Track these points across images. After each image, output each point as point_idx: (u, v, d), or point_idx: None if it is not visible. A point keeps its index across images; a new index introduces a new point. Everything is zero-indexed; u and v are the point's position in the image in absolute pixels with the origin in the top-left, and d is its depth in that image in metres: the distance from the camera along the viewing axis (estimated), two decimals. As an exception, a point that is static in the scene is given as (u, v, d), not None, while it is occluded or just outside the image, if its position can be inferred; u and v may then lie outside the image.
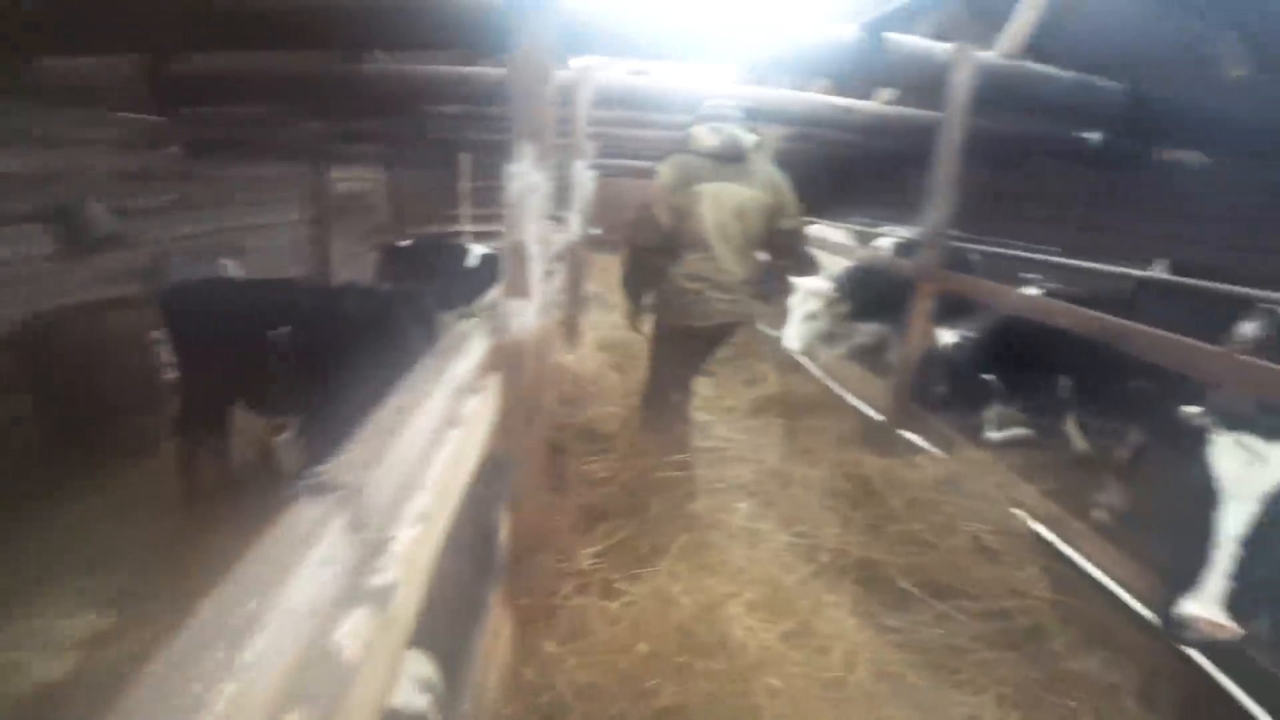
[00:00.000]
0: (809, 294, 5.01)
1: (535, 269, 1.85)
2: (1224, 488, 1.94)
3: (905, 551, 2.98)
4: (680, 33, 3.24)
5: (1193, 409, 2.13)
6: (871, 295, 5.02)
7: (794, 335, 5.05)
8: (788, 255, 3.75)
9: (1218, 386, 2.34)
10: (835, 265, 5.69)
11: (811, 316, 5.02)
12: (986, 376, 4.09)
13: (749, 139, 3.13)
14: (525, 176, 1.73)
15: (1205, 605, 1.88)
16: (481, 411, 1.62)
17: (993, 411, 4.31)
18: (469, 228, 10.04)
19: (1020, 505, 3.16)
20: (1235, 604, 1.88)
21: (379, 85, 4.52)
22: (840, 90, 5.47)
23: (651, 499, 3.01)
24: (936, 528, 3.02)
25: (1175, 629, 1.97)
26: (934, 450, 3.73)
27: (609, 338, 5.93)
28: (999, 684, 2.42)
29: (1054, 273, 4.29)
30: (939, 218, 3.76)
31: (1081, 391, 3.81)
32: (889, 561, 2.95)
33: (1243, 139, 4.48)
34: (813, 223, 6.40)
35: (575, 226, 4.94)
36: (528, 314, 1.86)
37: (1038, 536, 3.00)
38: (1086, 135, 5.67)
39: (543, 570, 2.35)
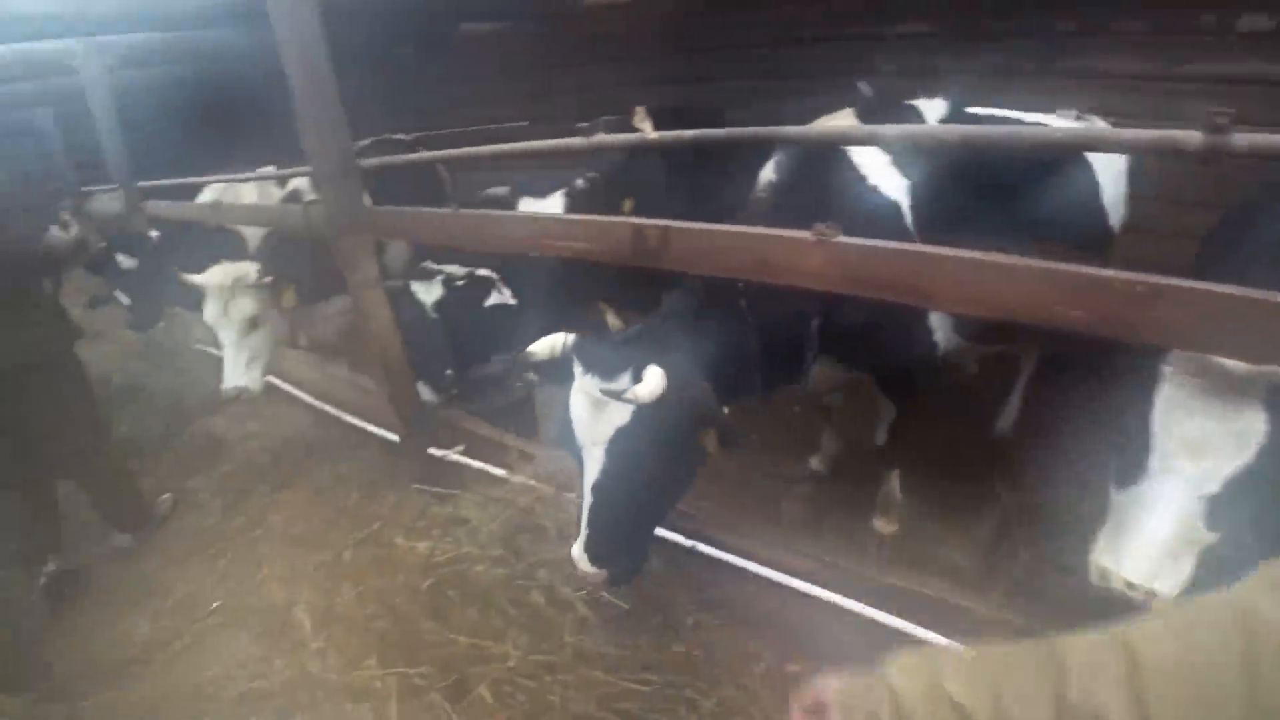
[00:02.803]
0: (226, 290, 3.05)
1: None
2: (578, 434, 1.66)
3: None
4: None
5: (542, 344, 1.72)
6: (308, 263, 3.26)
7: (235, 366, 3.08)
8: None
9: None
10: (254, 236, 3.77)
11: (251, 323, 3.08)
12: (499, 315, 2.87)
13: None
14: None
15: (578, 551, 1.67)
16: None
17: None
18: None
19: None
20: (600, 549, 1.65)
21: None
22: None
23: None
24: (499, 632, 1.95)
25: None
26: (462, 461, 2.43)
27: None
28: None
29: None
30: (329, 135, 2.23)
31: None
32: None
33: None
34: (200, 183, 4.28)
35: None
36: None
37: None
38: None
39: None
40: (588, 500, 1.63)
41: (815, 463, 3.02)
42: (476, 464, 2.49)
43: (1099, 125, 2.58)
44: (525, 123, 5.56)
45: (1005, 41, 3.52)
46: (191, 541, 3.13)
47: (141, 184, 4.50)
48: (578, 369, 1.63)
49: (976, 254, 1.26)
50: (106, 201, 5.04)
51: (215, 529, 3.17)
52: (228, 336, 3.07)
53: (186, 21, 3.51)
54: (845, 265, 1.37)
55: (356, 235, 2.36)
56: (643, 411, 1.53)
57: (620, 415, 1.56)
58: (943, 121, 2.25)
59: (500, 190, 2.21)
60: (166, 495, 3.34)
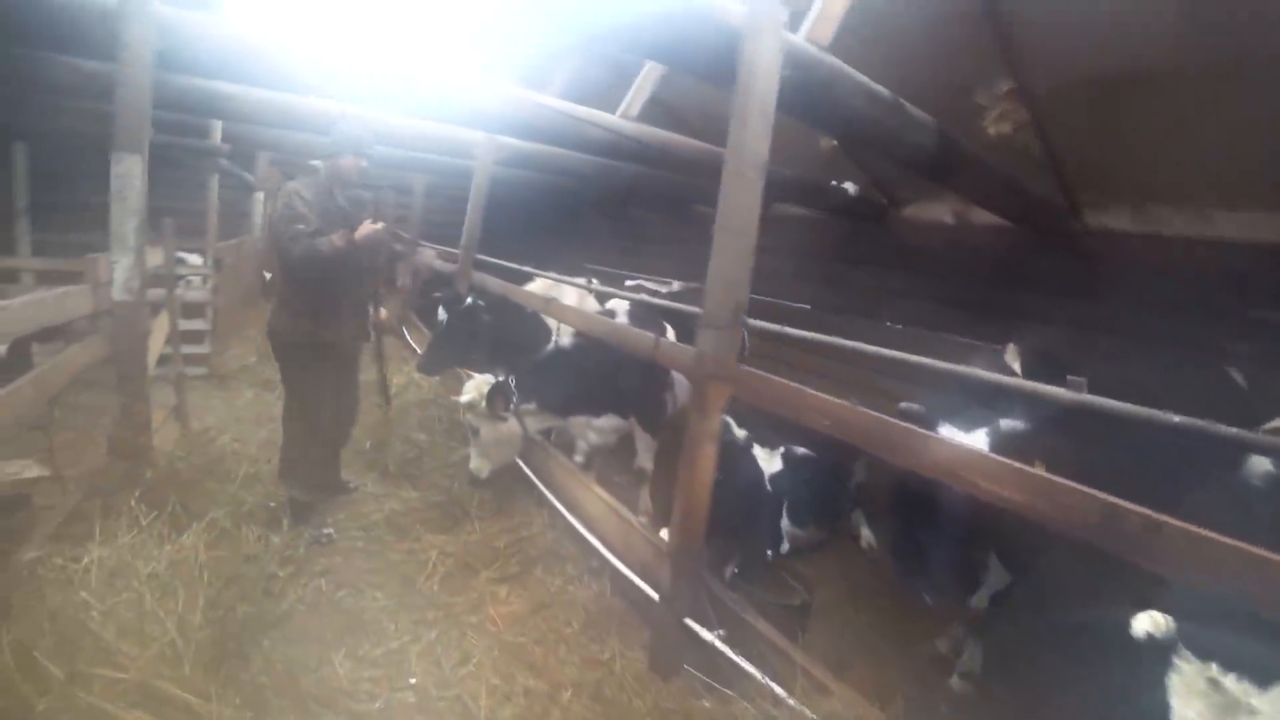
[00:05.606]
0: (470, 397, 3.62)
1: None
2: None
3: None
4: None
5: (1149, 618, 1.30)
6: (596, 378, 3.62)
7: (473, 454, 3.68)
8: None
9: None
10: (566, 335, 4.10)
11: (474, 429, 3.63)
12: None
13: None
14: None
15: None
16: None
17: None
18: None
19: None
20: None
21: None
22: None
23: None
24: None
25: None
26: (749, 670, 2.14)
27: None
28: None
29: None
30: (733, 288, 2.29)
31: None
32: None
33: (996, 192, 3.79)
34: (532, 274, 4.88)
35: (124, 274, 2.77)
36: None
37: None
38: (843, 184, 5.02)
39: None
40: None
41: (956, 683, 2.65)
42: (744, 664, 2.19)
43: None
44: (807, 306, 5.64)
45: None
46: (412, 596, 3.11)
47: (478, 256, 5.12)
48: (1198, 666, 1.28)
49: None
50: (445, 261, 5.82)
51: (435, 597, 3.12)
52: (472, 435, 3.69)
53: (599, 147, 3.97)
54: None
55: (720, 386, 2.33)
56: None
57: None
58: None
59: (916, 406, 2.07)
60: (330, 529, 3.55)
